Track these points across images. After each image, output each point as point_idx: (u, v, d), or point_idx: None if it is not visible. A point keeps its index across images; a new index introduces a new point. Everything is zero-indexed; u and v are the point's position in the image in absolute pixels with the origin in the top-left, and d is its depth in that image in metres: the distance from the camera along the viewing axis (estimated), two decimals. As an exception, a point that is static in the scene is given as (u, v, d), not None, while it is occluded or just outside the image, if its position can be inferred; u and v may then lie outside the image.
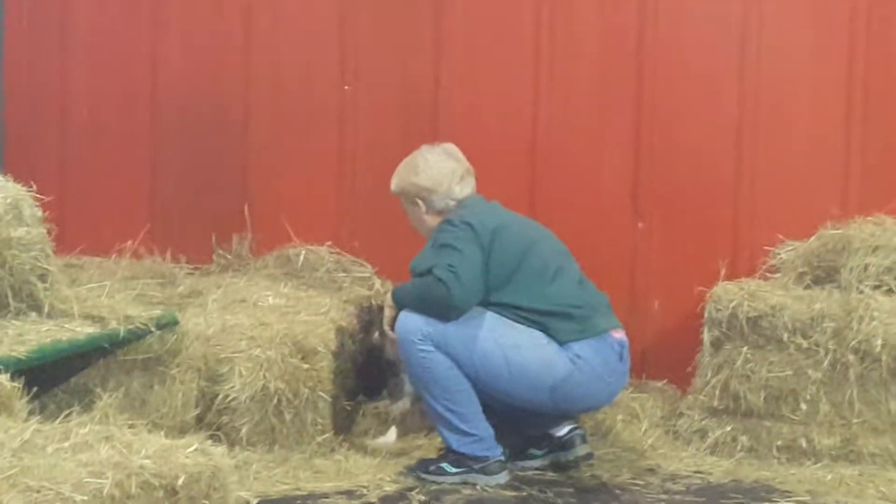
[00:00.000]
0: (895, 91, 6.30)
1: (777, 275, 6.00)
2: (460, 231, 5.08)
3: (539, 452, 5.31)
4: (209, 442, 3.74)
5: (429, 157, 5.41)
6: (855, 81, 6.39)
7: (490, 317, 5.06)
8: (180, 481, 3.39)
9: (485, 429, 5.08)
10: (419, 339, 5.01)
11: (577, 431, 5.26)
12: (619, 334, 5.26)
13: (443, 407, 5.06)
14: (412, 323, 5.05)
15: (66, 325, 4.53)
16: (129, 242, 6.22)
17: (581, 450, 5.25)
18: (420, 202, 5.33)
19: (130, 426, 3.83)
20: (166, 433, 3.90)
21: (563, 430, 5.25)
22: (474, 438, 5.09)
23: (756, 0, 6.44)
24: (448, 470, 5.06)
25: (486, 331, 5.03)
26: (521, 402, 5.12)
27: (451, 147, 5.53)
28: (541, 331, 5.05)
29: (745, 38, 6.45)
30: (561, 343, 5.01)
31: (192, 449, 3.61)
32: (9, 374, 3.83)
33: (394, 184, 5.49)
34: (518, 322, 5.04)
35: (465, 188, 5.33)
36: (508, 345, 5.00)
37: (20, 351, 4.17)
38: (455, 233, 5.09)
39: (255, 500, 4.58)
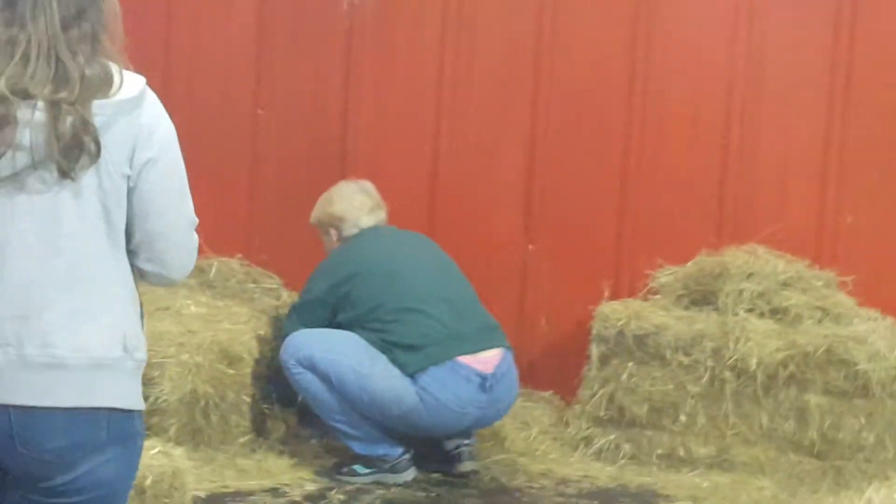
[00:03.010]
0: (768, 129, 6.72)
1: (657, 296, 6.32)
2: (325, 273, 5.69)
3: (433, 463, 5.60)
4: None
5: (344, 190, 5.86)
6: (732, 119, 6.73)
7: (357, 344, 5.42)
8: (148, 481, 3.70)
9: (380, 441, 5.45)
10: (292, 364, 5.40)
11: (466, 447, 5.54)
12: (482, 364, 5.45)
13: (332, 419, 5.42)
14: (287, 347, 5.48)
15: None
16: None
17: (466, 466, 5.55)
18: (332, 231, 5.75)
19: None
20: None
21: (451, 444, 5.54)
22: (372, 440, 5.41)
23: (644, 37, 6.73)
24: (359, 471, 5.35)
25: (348, 357, 5.36)
26: (381, 424, 5.46)
27: (366, 183, 5.95)
28: (386, 354, 5.38)
29: (633, 77, 6.74)
30: (410, 375, 5.31)
31: (155, 451, 3.88)
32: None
33: (312, 216, 5.92)
34: (382, 351, 5.38)
35: (370, 219, 5.75)
36: (364, 373, 5.32)
37: None
38: (315, 278, 5.70)
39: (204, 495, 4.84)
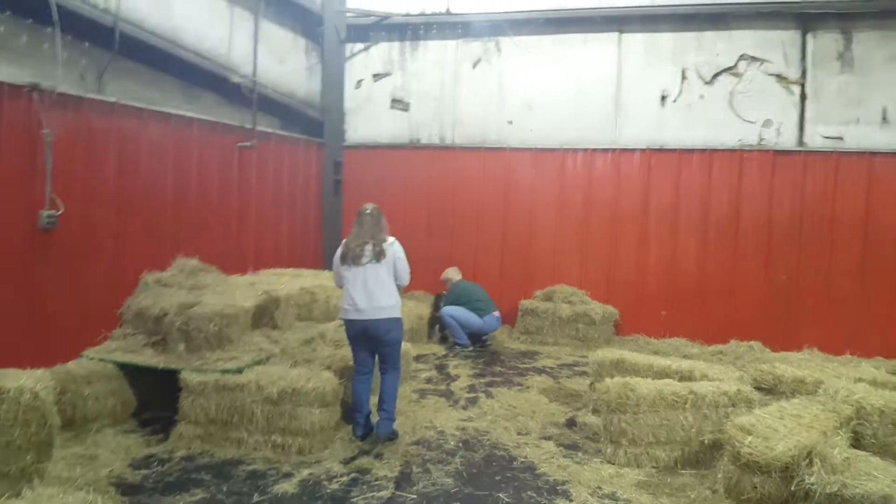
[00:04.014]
0: (569, 244, 14.73)
1: (535, 298, 14.74)
2: (451, 294, 14.34)
3: (477, 345, 14.23)
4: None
5: (450, 269, 14.95)
6: (556, 239, 14.96)
7: (467, 312, 14.15)
8: (404, 349, 11.46)
9: (466, 338, 14.18)
10: (446, 317, 14.26)
11: (486, 338, 14.42)
12: (497, 314, 14.16)
13: (455, 334, 14.19)
14: (445, 311, 14.24)
15: None
16: None
17: (487, 344, 14.40)
18: (448, 282, 14.85)
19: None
20: None
21: (483, 338, 14.42)
22: (463, 339, 14.19)
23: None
24: (457, 348, 14.21)
25: (463, 315, 14.14)
26: (469, 333, 14.07)
27: (456, 267, 15.02)
28: (474, 314, 14.06)
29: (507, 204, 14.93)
30: (481, 316, 14.10)
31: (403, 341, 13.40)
32: None
33: (442, 276, 14.94)
34: (470, 311, 14.12)
35: (459, 277, 14.91)
36: (469, 318, 14.13)
37: None
38: (448, 294, 14.36)
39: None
